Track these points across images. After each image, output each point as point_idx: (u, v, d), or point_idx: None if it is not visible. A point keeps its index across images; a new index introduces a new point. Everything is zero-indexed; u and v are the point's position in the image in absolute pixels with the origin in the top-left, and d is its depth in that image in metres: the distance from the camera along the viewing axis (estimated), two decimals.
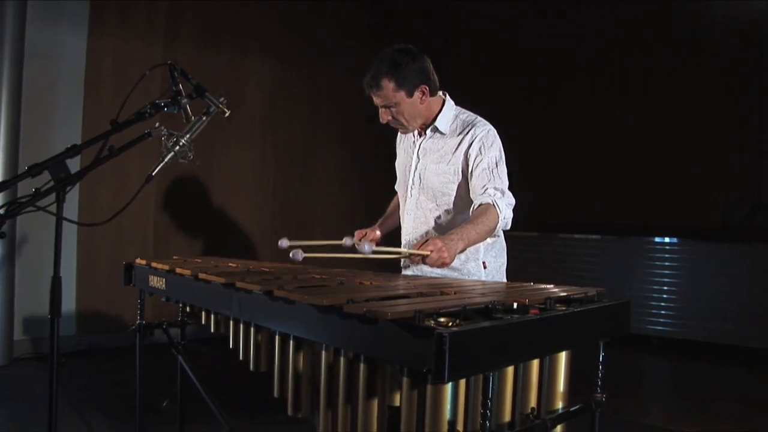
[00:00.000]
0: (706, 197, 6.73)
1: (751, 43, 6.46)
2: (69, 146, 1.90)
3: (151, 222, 5.87)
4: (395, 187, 3.18)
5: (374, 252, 2.27)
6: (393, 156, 3.13)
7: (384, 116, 2.69)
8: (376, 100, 2.66)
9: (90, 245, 5.48)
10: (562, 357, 1.93)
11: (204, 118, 2.26)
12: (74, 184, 1.89)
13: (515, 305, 1.83)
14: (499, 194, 2.49)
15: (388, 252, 2.45)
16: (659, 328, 6.48)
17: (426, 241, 2.32)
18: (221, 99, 2.28)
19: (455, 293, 1.97)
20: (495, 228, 2.47)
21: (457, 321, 1.62)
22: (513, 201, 2.55)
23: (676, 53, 6.97)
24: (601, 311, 2.00)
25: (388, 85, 2.58)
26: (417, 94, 2.62)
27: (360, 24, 7.46)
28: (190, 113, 2.23)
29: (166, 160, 2.20)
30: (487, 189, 2.50)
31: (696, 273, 6.35)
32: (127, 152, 2.09)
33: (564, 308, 1.90)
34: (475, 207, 2.50)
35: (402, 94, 2.60)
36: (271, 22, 6.61)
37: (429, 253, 2.27)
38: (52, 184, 1.88)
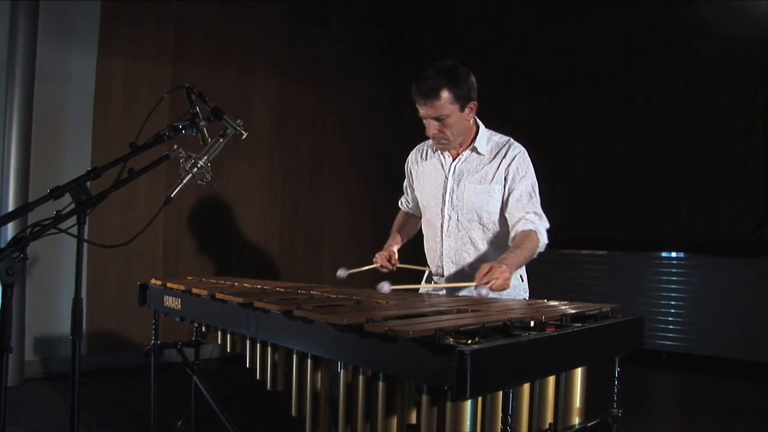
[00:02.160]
0: (712, 211, 6.74)
1: (754, 54, 6.49)
2: (90, 169, 1.92)
3: (160, 241, 5.89)
4: (401, 203, 3.27)
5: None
6: (401, 174, 3.16)
7: (432, 128, 2.68)
8: (428, 111, 2.63)
9: (99, 265, 5.50)
10: (578, 373, 1.95)
11: (221, 140, 2.29)
12: (95, 206, 1.91)
13: (532, 322, 1.85)
14: (538, 219, 2.63)
15: (457, 287, 2.69)
16: (668, 342, 6.47)
17: (490, 269, 2.39)
18: (238, 121, 2.31)
19: (471, 311, 1.99)
20: (535, 252, 2.60)
21: (476, 339, 1.64)
22: (548, 224, 2.68)
23: (681, 65, 7.00)
24: (615, 327, 2.02)
25: (446, 96, 2.58)
26: (467, 110, 2.66)
27: (365, 41, 7.52)
28: (206, 135, 2.26)
29: (184, 182, 2.23)
30: (527, 215, 2.63)
31: (704, 287, 6.34)
32: None
33: (579, 325, 1.92)
34: (518, 232, 2.61)
35: (456, 107, 2.62)
36: (277, 40, 6.66)
37: (496, 279, 2.37)
38: (73, 206, 1.90)
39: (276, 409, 4.30)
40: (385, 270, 2.94)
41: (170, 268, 5.92)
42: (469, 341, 1.61)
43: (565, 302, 2.22)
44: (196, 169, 2.22)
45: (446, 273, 2.84)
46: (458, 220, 2.77)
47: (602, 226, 7.14)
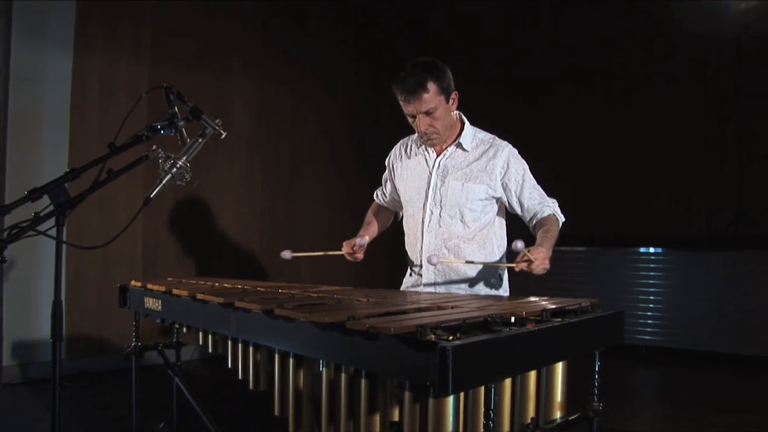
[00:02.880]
0: (688, 207, 6.82)
1: (727, 53, 6.58)
2: (68, 170, 1.91)
3: (139, 243, 5.84)
4: (376, 196, 3.26)
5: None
6: (381, 172, 3.16)
7: (424, 124, 2.67)
8: (417, 107, 2.62)
9: (78, 268, 5.44)
10: (559, 368, 1.97)
11: (200, 140, 2.28)
12: (74, 207, 1.90)
13: (513, 318, 1.87)
14: (552, 203, 2.83)
15: (496, 264, 2.79)
16: (647, 337, 6.53)
17: (528, 250, 2.48)
18: (217, 120, 2.30)
19: (452, 308, 2.00)
20: (559, 229, 2.79)
21: (457, 335, 1.65)
22: (557, 201, 2.87)
23: (656, 64, 7.08)
24: (595, 322, 2.05)
25: (433, 88, 2.59)
26: (450, 101, 2.69)
27: (343, 40, 7.51)
28: (185, 135, 2.25)
29: (164, 182, 2.22)
30: (543, 205, 2.79)
31: (681, 282, 6.41)
32: None
33: (559, 320, 1.94)
34: (539, 219, 2.79)
35: (442, 99, 2.64)
36: (255, 39, 6.63)
37: (534, 259, 2.45)
38: (51, 208, 1.89)
39: (258, 410, 4.30)
40: (350, 259, 2.94)
41: (149, 269, 5.87)
42: (450, 337, 1.62)
43: (545, 298, 2.24)
44: (175, 170, 2.21)
45: (424, 268, 2.84)
46: (440, 215, 2.78)
47: (580, 223, 7.14)
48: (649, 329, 6.53)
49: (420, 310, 1.96)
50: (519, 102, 7.87)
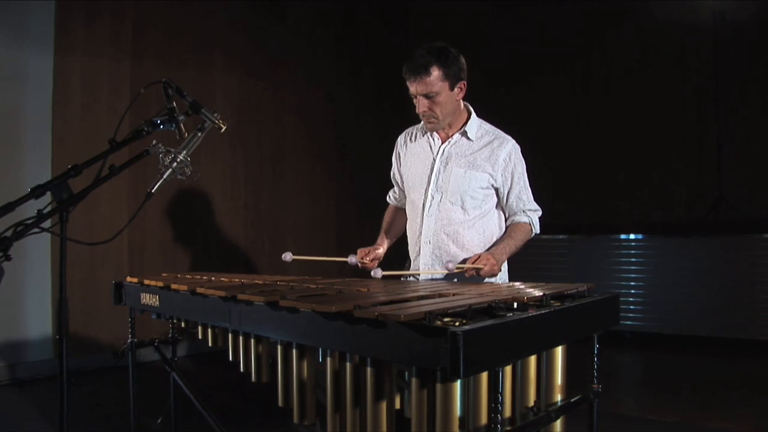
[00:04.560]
0: (668, 193, 6.92)
1: (704, 41, 6.66)
2: (70, 166, 1.91)
3: (124, 241, 5.80)
4: (389, 198, 3.24)
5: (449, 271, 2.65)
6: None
7: (422, 106, 2.71)
8: (418, 88, 2.67)
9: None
10: (559, 351, 2.01)
11: (199, 134, 2.29)
12: (77, 204, 1.90)
13: (515, 303, 1.91)
14: (533, 213, 2.87)
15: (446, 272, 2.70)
16: (629, 323, 6.61)
17: (478, 257, 2.61)
18: (215, 114, 2.31)
19: (453, 295, 2.03)
20: (526, 239, 2.85)
21: (463, 320, 1.68)
22: (540, 212, 2.89)
23: (635, 54, 7.16)
24: (593, 305, 2.10)
25: (437, 73, 2.63)
26: (456, 89, 2.72)
27: (323, 35, 7.51)
28: (183, 130, 2.26)
29: (164, 177, 2.22)
30: (525, 211, 2.85)
31: (663, 268, 6.50)
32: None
33: (559, 304, 1.98)
34: (514, 222, 2.86)
35: (446, 85, 2.67)
36: (236, 34, 6.62)
37: (482, 266, 2.57)
38: (54, 205, 1.89)
39: (254, 403, 4.31)
40: (360, 267, 2.93)
41: (136, 267, 5.83)
42: (457, 323, 1.65)
43: (542, 284, 2.28)
44: (175, 164, 2.22)
45: (422, 254, 2.86)
46: (441, 201, 2.80)
47: (561, 211, 7.24)
48: (631, 314, 6.62)
49: (422, 297, 1.99)
50: (499, 92, 7.89)
